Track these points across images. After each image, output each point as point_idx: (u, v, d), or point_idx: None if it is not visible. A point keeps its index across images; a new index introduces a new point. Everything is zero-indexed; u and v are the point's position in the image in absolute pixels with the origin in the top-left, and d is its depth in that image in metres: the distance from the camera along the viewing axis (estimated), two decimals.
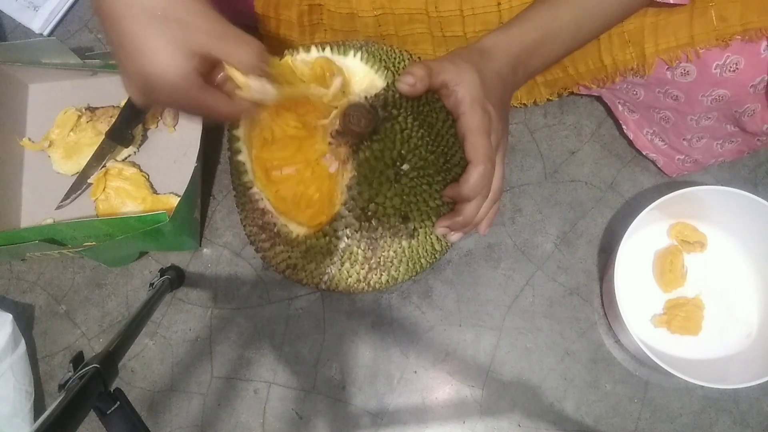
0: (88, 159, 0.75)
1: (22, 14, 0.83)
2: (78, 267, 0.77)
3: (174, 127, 0.79)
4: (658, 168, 0.72)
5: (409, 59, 0.52)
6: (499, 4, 0.58)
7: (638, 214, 0.62)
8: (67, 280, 0.77)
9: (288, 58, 0.51)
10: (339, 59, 0.50)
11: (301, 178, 0.49)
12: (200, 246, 0.76)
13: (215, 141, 0.79)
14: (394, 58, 0.51)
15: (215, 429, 0.71)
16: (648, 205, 0.62)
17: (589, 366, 0.70)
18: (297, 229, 0.48)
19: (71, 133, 0.78)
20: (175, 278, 0.72)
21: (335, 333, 0.73)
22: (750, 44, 0.51)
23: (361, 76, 0.49)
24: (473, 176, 0.44)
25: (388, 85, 0.48)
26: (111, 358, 0.46)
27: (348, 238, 0.46)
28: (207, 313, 0.74)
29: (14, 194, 0.78)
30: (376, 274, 0.49)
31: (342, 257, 0.47)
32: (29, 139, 0.80)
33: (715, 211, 0.67)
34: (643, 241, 0.71)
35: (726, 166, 0.74)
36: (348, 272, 0.48)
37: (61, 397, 0.40)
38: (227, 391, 0.72)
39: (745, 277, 0.69)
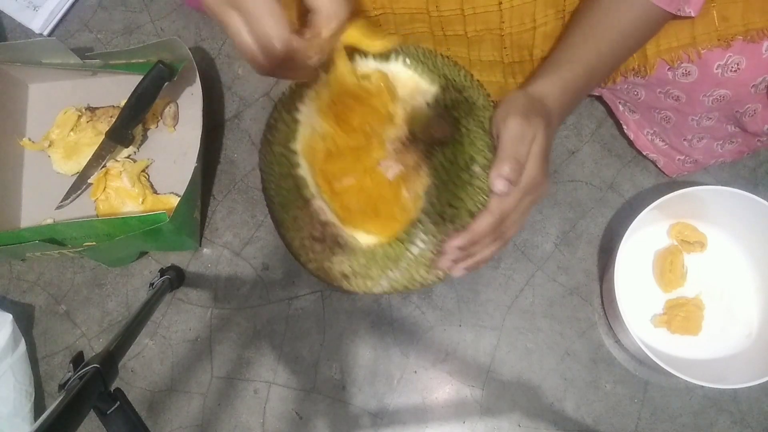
0: (88, 159, 0.75)
1: (22, 14, 0.83)
2: (78, 267, 0.77)
3: (174, 127, 0.79)
4: (658, 168, 0.72)
5: (442, 58, 0.52)
6: (500, 3, 0.57)
7: (638, 214, 0.62)
8: (67, 280, 0.77)
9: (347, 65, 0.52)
10: (381, 65, 0.51)
11: (361, 187, 0.49)
12: (200, 246, 0.76)
13: (215, 141, 0.79)
14: (434, 60, 0.52)
15: (215, 429, 0.71)
16: (648, 205, 0.62)
17: (589, 366, 0.70)
18: (365, 238, 0.49)
19: (71, 133, 0.78)
20: (175, 278, 0.72)
21: (335, 333, 0.72)
22: (751, 44, 0.51)
23: (405, 79, 0.51)
24: (483, 223, 0.46)
25: (442, 87, 0.49)
26: (111, 358, 0.46)
27: (423, 243, 0.47)
28: (207, 313, 0.74)
29: (14, 194, 0.78)
30: (432, 274, 0.49)
31: (410, 262, 0.48)
32: (29, 139, 0.80)
33: (715, 211, 0.67)
34: (643, 241, 0.71)
35: (726, 166, 0.74)
36: (411, 275, 0.49)
37: (61, 397, 0.40)
38: (227, 391, 0.72)
39: (745, 277, 0.69)
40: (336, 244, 0.48)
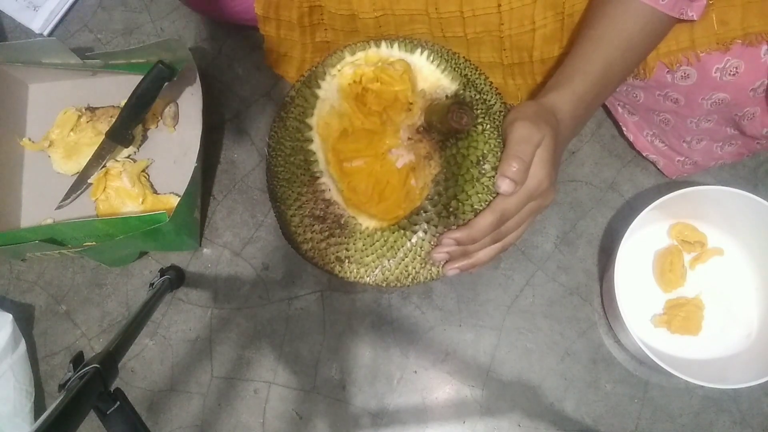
0: (88, 159, 0.75)
1: (22, 14, 0.83)
2: (78, 267, 0.77)
3: (174, 127, 0.79)
4: (658, 169, 0.72)
5: (464, 61, 0.53)
6: (499, 5, 0.58)
7: (638, 214, 0.62)
8: (67, 280, 0.77)
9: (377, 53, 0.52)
10: (406, 56, 0.52)
11: (370, 171, 0.50)
12: (200, 246, 0.76)
13: (215, 141, 0.79)
14: (456, 60, 0.52)
15: (215, 429, 0.71)
16: (648, 205, 0.62)
17: (589, 366, 0.70)
18: (367, 222, 0.49)
19: (71, 133, 0.78)
20: (175, 278, 0.72)
21: (335, 333, 0.73)
22: (750, 48, 0.51)
23: (426, 73, 0.51)
24: (483, 219, 0.46)
25: (463, 85, 0.50)
26: (111, 358, 0.46)
27: (424, 233, 0.47)
28: (207, 313, 0.74)
29: (14, 194, 0.78)
30: (426, 269, 0.49)
31: (407, 252, 0.48)
32: (29, 139, 0.80)
33: (715, 211, 0.67)
34: (643, 241, 0.71)
35: (726, 166, 0.74)
36: (405, 266, 0.49)
37: (61, 397, 0.40)
38: (227, 391, 0.72)
39: (745, 277, 0.69)
40: (337, 224, 0.48)
